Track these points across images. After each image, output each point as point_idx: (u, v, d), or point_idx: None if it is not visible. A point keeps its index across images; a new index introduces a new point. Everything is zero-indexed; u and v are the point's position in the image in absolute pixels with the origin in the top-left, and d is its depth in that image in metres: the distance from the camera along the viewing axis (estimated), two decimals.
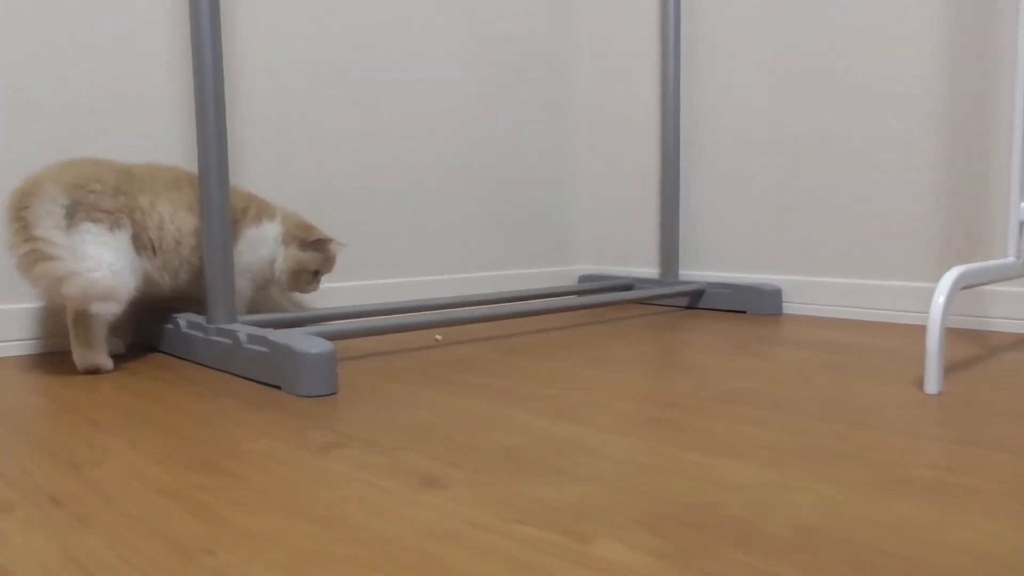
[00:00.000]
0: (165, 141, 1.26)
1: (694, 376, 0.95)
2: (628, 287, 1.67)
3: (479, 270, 1.69)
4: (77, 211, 1.00)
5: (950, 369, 0.97)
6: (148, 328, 1.19)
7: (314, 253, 1.23)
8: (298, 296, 1.41)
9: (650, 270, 1.75)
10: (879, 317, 1.38)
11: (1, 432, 0.75)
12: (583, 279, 1.82)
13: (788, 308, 1.50)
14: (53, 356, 1.14)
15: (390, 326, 1.09)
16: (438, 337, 1.27)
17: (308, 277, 1.24)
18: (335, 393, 0.89)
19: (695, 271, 1.66)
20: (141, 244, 1.06)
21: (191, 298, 1.18)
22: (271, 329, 0.99)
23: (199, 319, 1.08)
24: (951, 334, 1.23)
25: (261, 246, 1.20)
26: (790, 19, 1.47)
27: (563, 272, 1.85)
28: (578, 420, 0.76)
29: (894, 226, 1.36)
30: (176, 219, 1.09)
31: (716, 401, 0.83)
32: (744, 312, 1.50)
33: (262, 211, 1.21)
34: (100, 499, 0.56)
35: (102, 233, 1.01)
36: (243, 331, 0.98)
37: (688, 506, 0.54)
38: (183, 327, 1.09)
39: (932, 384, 0.86)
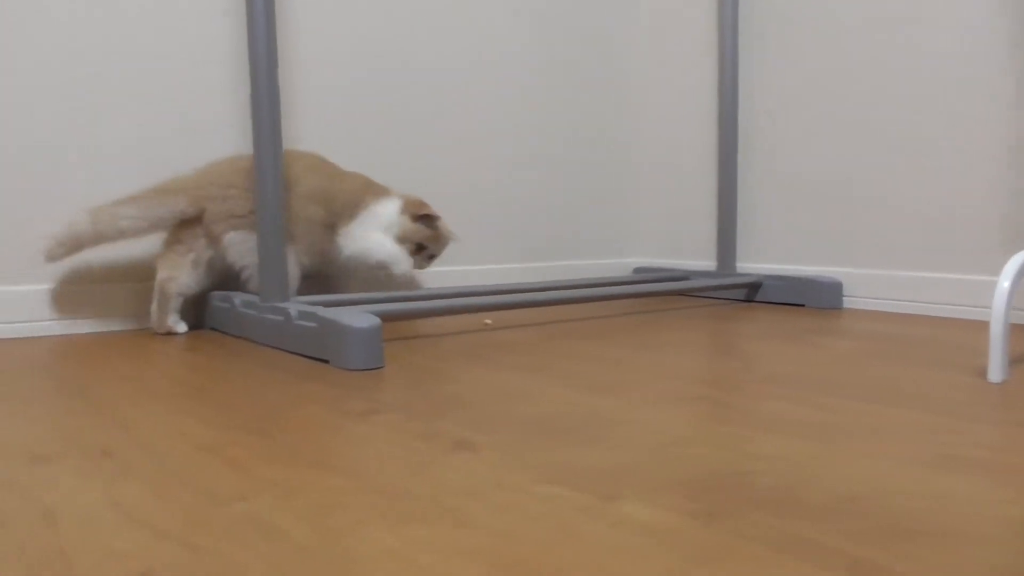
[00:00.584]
0: (222, 139, 1.30)
1: (739, 360, 0.93)
2: (683, 279, 1.65)
3: (534, 260, 1.69)
4: (218, 221, 1.14)
5: (1018, 361, 0.92)
6: (206, 308, 1.23)
7: (421, 226, 1.28)
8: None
9: (707, 263, 1.72)
10: (947, 312, 1.32)
11: (62, 396, 0.78)
12: (637, 271, 1.80)
13: (849, 302, 1.45)
14: (114, 335, 1.19)
15: (437, 308, 1.10)
16: (488, 321, 1.27)
17: (412, 247, 1.28)
18: (381, 367, 0.90)
19: (754, 264, 1.62)
20: (288, 236, 1.15)
21: (316, 277, 1.32)
22: (321, 307, 1.01)
23: (253, 298, 1.11)
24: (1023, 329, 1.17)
25: (381, 219, 1.26)
26: (848, 3, 1.42)
27: (617, 264, 1.83)
28: (615, 395, 0.75)
29: (960, 217, 1.31)
30: (306, 210, 1.20)
31: (759, 382, 0.81)
32: (803, 305, 1.46)
33: (379, 192, 1.28)
34: (144, 453, 0.59)
35: (245, 239, 1.15)
36: (294, 308, 1.00)
37: (721, 473, 0.52)
38: (238, 306, 1.13)
39: (996, 372, 0.82)
